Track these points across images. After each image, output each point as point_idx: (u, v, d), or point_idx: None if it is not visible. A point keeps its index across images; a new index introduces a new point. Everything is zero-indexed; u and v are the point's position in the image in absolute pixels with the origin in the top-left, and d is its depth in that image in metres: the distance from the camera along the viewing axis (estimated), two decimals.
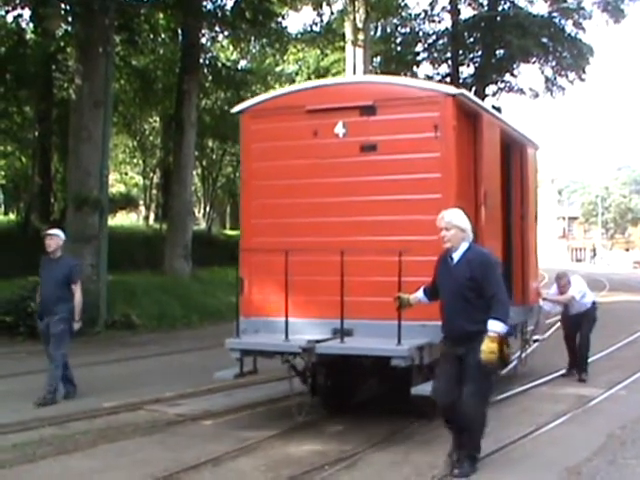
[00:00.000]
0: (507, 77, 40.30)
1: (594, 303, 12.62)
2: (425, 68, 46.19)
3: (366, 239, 8.97)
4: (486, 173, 9.71)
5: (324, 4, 32.69)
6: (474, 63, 39.60)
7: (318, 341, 8.59)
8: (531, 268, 12.38)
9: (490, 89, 40.05)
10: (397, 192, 8.95)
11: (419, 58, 39.97)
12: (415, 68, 40.28)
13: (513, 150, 11.83)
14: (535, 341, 13.59)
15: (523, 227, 12.08)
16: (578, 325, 12.45)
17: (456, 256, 7.15)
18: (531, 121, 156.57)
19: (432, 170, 8.81)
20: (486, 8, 38.47)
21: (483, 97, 39.10)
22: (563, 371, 12.55)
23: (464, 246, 7.12)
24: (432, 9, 39.33)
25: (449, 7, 38.66)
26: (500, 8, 38.07)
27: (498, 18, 37.62)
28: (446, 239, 7.11)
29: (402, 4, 36.87)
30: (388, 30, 38.63)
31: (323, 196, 9.31)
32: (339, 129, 9.23)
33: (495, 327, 6.79)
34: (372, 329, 8.69)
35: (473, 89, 37.64)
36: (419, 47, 39.62)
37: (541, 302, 12.72)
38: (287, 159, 9.57)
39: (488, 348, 6.73)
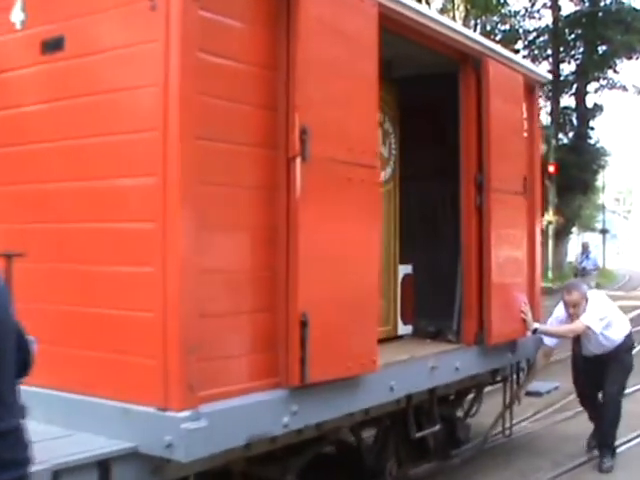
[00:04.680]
0: (609, 74, 39.56)
1: (629, 338, 7.68)
2: None
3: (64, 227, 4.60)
4: (312, 93, 4.69)
5: (423, 2, 32.70)
6: (575, 60, 38.99)
7: None
8: (503, 278, 6.99)
9: (592, 86, 39.44)
10: (84, 130, 4.45)
11: (519, 55, 39.49)
12: None
13: (463, 68, 6.94)
14: (530, 394, 8.29)
15: (483, 205, 6.82)
16: (599, 375, 7.56)
17: None
18: (634, 119, 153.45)
19: (142, 78, 4.16)
20: (587, 4, 37.90)
21: (584, 94, 38.52)
22: (589, 451, 7.88)
23: None
24: (532, 6, 39.03)
25: (549, 3, 38.25)
26: (602, 3, 37.44)
27: (600, 14, 36.95)
28: None
29: (502, 1, 36.60)
30: (488, 27, 38.32)
31: None
32: (17, 15, 4.81)
33: None
34: (72, 410, 4.24)
35: (574, 86, 37.12)
36: (519, 44, 39.13)
37: (529, 334, 7.40)
38: None
39: None
